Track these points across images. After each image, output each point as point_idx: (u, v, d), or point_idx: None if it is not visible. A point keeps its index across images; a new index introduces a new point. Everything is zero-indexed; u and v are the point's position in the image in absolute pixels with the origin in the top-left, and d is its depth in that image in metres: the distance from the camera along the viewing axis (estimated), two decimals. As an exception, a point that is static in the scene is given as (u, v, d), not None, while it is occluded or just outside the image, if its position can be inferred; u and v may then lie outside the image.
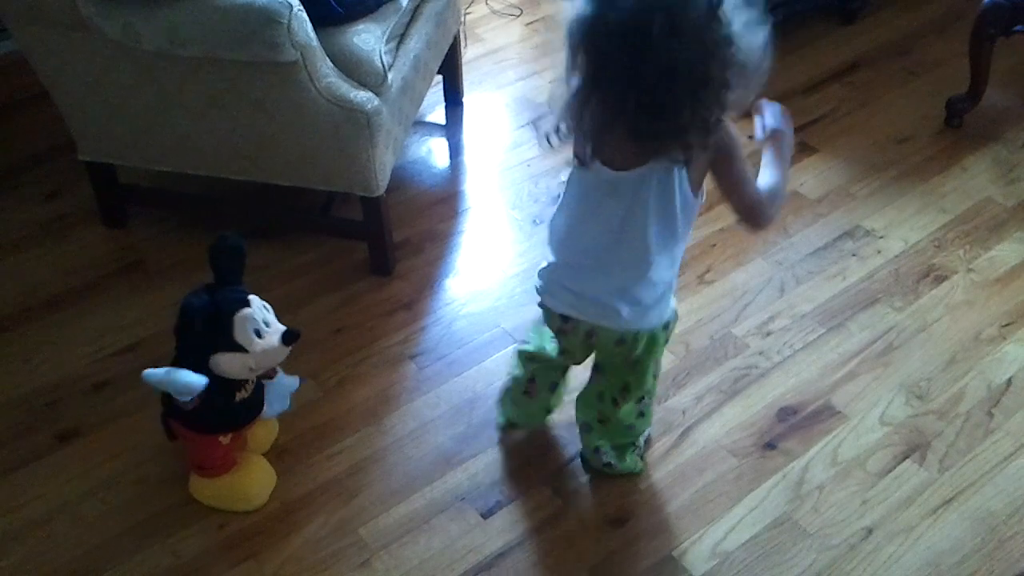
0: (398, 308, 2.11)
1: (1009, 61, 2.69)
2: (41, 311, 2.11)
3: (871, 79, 2.77)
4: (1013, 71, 2.73)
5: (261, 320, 1.59)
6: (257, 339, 1.57)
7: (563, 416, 1.88)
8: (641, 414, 1.73)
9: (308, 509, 1.73)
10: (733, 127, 1.38)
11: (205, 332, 1.55)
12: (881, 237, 2.26)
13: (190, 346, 1.59)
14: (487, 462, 1.81)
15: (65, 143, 2.23)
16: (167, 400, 1.65)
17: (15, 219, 2.34)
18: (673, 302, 1.59)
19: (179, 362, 1.62)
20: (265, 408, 1.73)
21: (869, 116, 2.64)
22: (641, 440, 1.79)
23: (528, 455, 1.82)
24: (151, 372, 1.55)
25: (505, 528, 1.70)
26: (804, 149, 2.52)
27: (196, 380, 1.54)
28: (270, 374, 1.72)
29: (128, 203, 2.29)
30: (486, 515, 1.72)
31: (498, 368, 1.96)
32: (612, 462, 1.75)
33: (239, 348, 1.56)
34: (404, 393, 1.93)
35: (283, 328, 1.61)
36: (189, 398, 1.55)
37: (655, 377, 1.70)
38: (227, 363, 1.57)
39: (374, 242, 2.15)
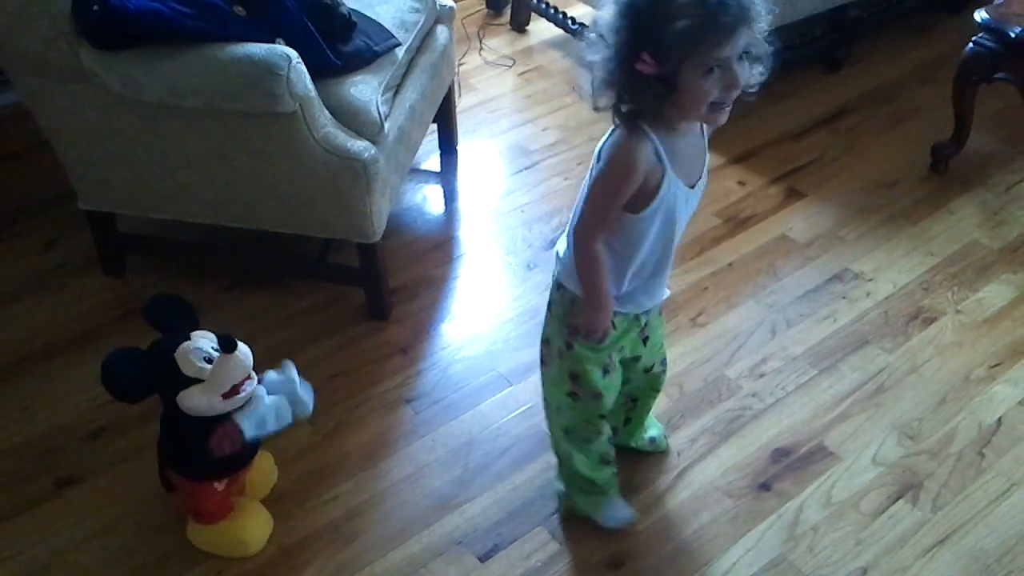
0: (394, 353, 2.13)
1: (992, 107, 2.76)
2: (39, 359, 2.12)
3: (857, 125, 2.83)
4: (996, 117, 2.79)
5: (208, 348, 1.57)
6: (207, 364, 1.56)
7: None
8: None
9: (305, 554, 1.73)
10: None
11: (157, 378, 1.55)
12: (870, 280, 2.30)
13: (144, 397, 1.58)
14: (484, 506, 1.82)
15: (64, 192, 2.26)
16: (162, 450, 1.66)
17: (14, 268, 2.36)
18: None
19: (167, 415, 1.63)
20: (257, 429, 1.62)
21: (856, 161, 2.69)
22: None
23: (525, 498, 1.83)
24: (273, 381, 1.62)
25: (503, 572, 1.71)
26: (792, 194, 2.57)
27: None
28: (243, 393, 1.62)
29: (127, 251, 2.31)
30: (483, 559, 1.73)
31: (494, 412, 1.98)
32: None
33: (194, 380, 1.55)
34: (401, 437, 1.95)
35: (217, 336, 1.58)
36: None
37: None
38: (190, 399, 1.55)
39: (370, 288, 2.17)
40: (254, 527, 1.74)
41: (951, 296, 2.25)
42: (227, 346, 1.54)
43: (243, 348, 1.57)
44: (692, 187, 1.44)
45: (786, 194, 2.58)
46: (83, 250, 2.35)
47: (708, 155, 1.47)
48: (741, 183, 2.62)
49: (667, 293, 1.64)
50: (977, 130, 2.61)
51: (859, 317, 2.20)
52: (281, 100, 1.80)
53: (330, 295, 2.25)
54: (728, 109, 1.32)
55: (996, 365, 2.08)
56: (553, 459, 1.82)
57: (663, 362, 1.77)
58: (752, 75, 1.31)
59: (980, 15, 2.40)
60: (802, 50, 2.96)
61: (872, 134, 2.79)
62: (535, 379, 2.02)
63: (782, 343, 2.14)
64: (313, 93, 1.87)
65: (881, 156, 2.71)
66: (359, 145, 1.93)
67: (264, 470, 1.81)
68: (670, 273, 1.60)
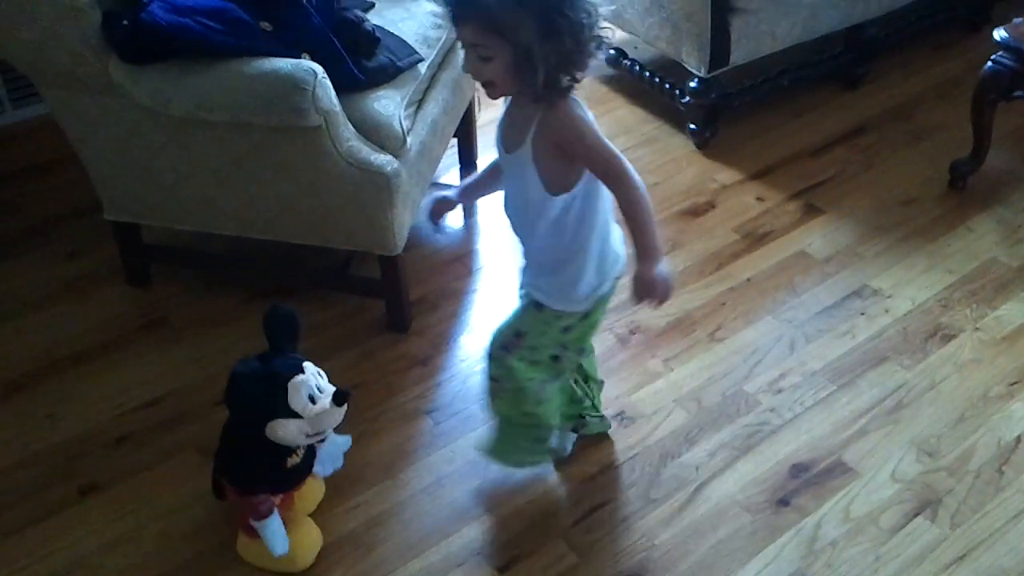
0: (414, 364, 2.15)
1: (1010, 125, 2.76)
2: (64, 367, 2.15)
3: (876, 143, 2.84)
4: (1015, 134, 2.80)
5: (314, 385, 1.60)
6: (311, 404, 1.58)
7: (579, 470, 1.90)
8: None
9: (326, 563, 1.75)
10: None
11: (261, 399, 1.57)
12: (889, 296, 2.30)
13: (245, 413, 1.61)
14: (502, 516, 1.83)
15: (91, 203, 2.29)
16: (221, 460, 1.68)
17: (40, 277, 2.39)
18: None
19: (231, 429, 1.65)
20: (319, 468, 1.76)
21: (875, 178, 2.70)
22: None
23: (543, 509, 1.84)
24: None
25: (521, 583, 1.72)
26: (811, 211, 2.58)
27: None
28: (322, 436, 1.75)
29: (152, 262, 2.34)
30: (502, 570, 1.74)
31: (513, 424, 2.00)
32: None
33: (294, 414, 1.58)
34: (420, 448, 1.96)
35: (333, 389, 1.63)
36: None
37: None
38: (283, 429, 1.58)
39: (391, 299, 2.19)
40: (304, 543, 1.73)
41: (970, 313, 2.25)
42: (340, 401, 1.61)
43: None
44: (508, 152, 1.54)
45: (804, 210, 2.59)
46: (108, 260, 2.38)
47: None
48: (759, 199, 2.63)
49: (530, 287, 1.66)
50: (996, 148, 2.62)
51: (878, 333, 2.21)
52: (307, 114, 1.82)
53: (351, 307, 2.28)
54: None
55: (1015, 383, 2.08)
56: (582, 468, 1.84)
57: None
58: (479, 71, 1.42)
59: (999, 34, 2.41)
60: (820, 67, 2.98)
61: (890, 151, 2.80)
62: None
63: (801, 358, 2.15)
64: (338, 108, 1.89)
65: (900, 173, 2.71)
66: (382, 159, 1.96)
67: (312, 486, 1.81)
68: (530, 262, 1.66)
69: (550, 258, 1.61)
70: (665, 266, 1.48)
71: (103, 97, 1.95)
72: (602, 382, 1.96)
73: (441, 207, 1.80)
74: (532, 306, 1.65)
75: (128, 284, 2.35)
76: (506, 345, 1.68)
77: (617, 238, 1.65)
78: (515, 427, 1.80)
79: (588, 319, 1.67)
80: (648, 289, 1.47)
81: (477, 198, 1.79)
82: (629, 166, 1.46)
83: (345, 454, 1.84)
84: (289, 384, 1.57)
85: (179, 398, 2.06)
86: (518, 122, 1.50)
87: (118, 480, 1.90)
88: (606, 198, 1.56)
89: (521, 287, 1.71)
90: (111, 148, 2.06)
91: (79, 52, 1.87)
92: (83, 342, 2.21)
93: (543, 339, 1.67)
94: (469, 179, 1.82)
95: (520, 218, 1.61)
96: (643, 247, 1.47)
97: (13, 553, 1.77)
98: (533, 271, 1.66)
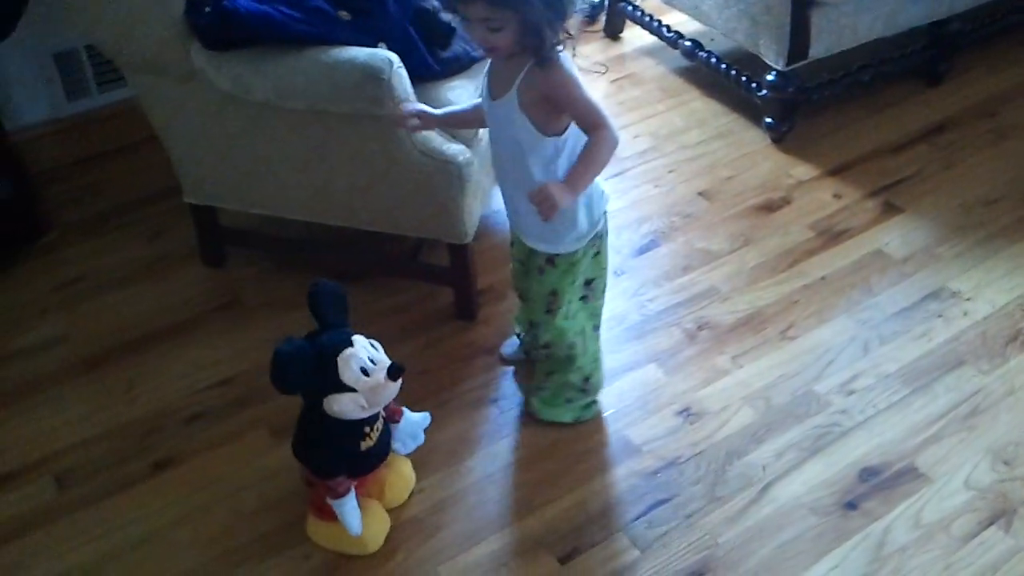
0: (480, 353, 2.16)
1: (1102, 125, 2.67)
2: (142, 344, 2.21)
3: (958, 140, 2.76)
4: (1107, 135, 2.70)
5: (367, 358, 1.62)
6: (364, 377, 1.60)
7: (643, 465, 1.90)
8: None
9: (389, 545, 1.77)
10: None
11: (313, 376, 1.59)
12: (968, 299, 2.24)
13: (296, 391, 1.62)
14: (565, 508, 1.83)
15: (171, 185, 2.35)
16: (297, 445, 1.70)
17: (122, 256, 2.46)
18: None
19: (305, 413, 1.67)
20: (399, 446, 1.79)
21: (956, 177, 2.62)
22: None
23: (606, 503, 1.84)
24: None
25: (581, 575, 1.72)
26: (889, 209, 2.52)
27: None
28: (395, 417, 1.77)
29: (227, 244, 2.40)
30: (563, 560, 1.74)
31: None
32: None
33: (347, 388, 1.59)
34: (485, 436, 1.97)
35: (388, 363, 1.64)
36: None
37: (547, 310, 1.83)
38: (338, 403, 1.59)
39: (460, 288, 2.21)
40: (373, 527, 1.75)
41: (1053, 319, 2.18)
42: (394, 375, 1.61)
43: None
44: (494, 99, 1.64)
45: (883, 208, 2.53)
46: (186, 242, 2.44)
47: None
48: (837, 196, 2.58)
49: (524, 237, 1.78)
50: (1086, 148, 2.53)
51: (955, 337, 2.15)
52: (382, 103, 1.84)
53: (420, 294, 2.30)
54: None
55: (1099, 392, 2.01)
56: (646, 463, 1.83)
57: (526, 309, 1.89)
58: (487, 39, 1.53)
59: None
60: (902, 63, 2.90)
61: (973, 150, 2.72)
62: (619, 383, 2.05)
63: (874, 360, 2.11)
64: (412, 97, 1.91)
65: (982, 172, 2.64)
66: (454, 148, 1.97)
67: (404, 475, 1.84)
68: (517, 207, 1.74)
69: None
70: (568, 200, 1.57)
71: (185, 83, 1.99)
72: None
73: (414, 113, 1.83)
74: (547, 264, 1.77)
75: (204, 265, 2.41)
76: (549, 308, 1.82)
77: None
78: (563, 385, 1.93)
79: (598, 257, 1.84)
80: (543, 195, 1.54)
81: (453, 126, 1.91)
82: (610, 119, 1.57)
83: (425, 430, 1.85)
84: (339, 358, 1.59)
85: (251, 378, 2.11)
86: (503, 71, 1.60)
87: (191, 456, 1.95)
88: None
89: (518, 254, 1.85)
90: (192, 133, 2.10)
91: (163, 38, 1.91)
92: (160, 321, 2.27)
93: (572, 288, 1.82)
94: (453, 108, 1.90)
95: (511, 163, 1.68)
96: (575, 175, 1.59)
97: (89, 523, 1.83)
98: (529, 223, 1.73)
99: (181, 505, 1.86)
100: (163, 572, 1.75)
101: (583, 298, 1.88)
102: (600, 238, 1.81)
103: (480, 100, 1.74)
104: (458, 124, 1.92)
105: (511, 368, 2.12)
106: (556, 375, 1.94)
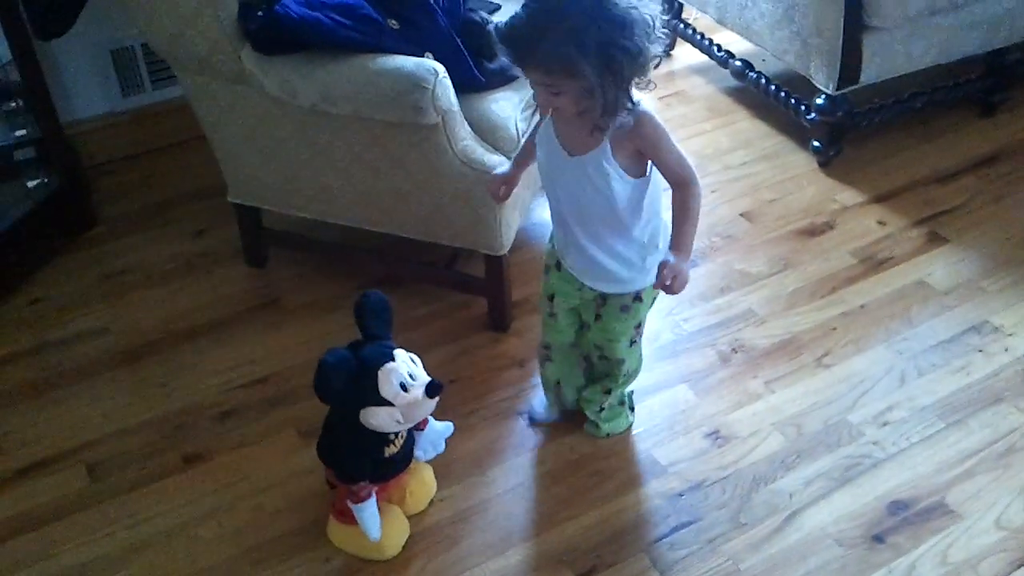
0: (511, 364, 2.16)
1: None
2: (180, 339, 2.25)
3: (1009, 173, 2.71)
4: None
5: (406, 373, 1.63)
6: (403, 392, 1.61)
7: (667, 486, 1.89)
8: None
9: (409, 552, 1.78)
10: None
11: (352, 387, 1.60)
12: (1010, 335, 2.20)
13: (336, 401, 1.64)
14: (587, 525, 1.82)
15: (217, 185, 2.39)
16: (322, 448, 1.72)
17: (166, 252, 2.51)
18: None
19: (331, 419, 1.69)
20: (419, 453, 1.80)
21: (1005, 210, 2.58)
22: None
23: (629, 522, 1.83)
24: None
25: (600, 593, 1.72)
26: (934, 239, 2.48)
27: None
28: (420, 425, 1.78)
29: (269, 245, 2.43)
30: (582, 577, 1.74)
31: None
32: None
33: (385, 402, 1.61)
34: (510, 448, 1.98)
35: (427, 380, 1.65)
36: None
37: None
38: (375, 416, 1.61)
39: (494, 299, 2.21)
40: (392, 533, 1.76)
41: (1098, 359, 2.13)
42: (433, 393, 1.63)
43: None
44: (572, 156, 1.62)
45: (928, 238, 2.49)
46: (229, 241, 2.48)
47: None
48: (881, 223, 2.55)
49: (604, 285, 1.76)
50: None
51: (995, 372, 2.11)
52: (425, 112, 1.86)
53: (454, 303, 2.31)
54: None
55: None
56: (671, 485, 1.83)
57: (606, 350, 1.86)
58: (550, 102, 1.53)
59: None
60: (956, 91, 2.86)
61: (1025, 183, 2.68)
62: (650, 401, 2.05)
63: (910, 392, 2.07)
64: (456, 107, 1.92)
65: (1033, 207, 2.59)
66: (495, 159, 1.98)
67: (426, 483, 1.85)
68: (597, 264, 1.72)
69: (637, 239, 1.69)
70: (688, 267, 1.60)
71: (235, 85, 2.03)
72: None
73: (499, 183, 1.85)
74: (634, 301, 1.77)
75: (246, 265, 2.45)
76: (633, 340, 1.85)
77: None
78: (619, 396, 1.96)
79: None
80: (672, 276, 1.56)
81: (524, 168, 1.87)
82: (694, 173, 1.59)
83: (447, 440, 1.86)
84: (380, 372, 1.60)
85: (284, 378, 2.13)
86: (577, 127, 1.57)
87: (221, 452, 1.98)
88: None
89: (572, 303, 1.84)
90: (239, 134, 2.14)
91: (215, 40, 1.95)
92: (200, 317, 2.31)
93: (651, 307, 1.84)
94: (516, 152, 1.90)
95: (594, 214, 1.66)
96: (682, 243, 1.60)
97: (117, 514, 1.86)
98: (608, 270, 1.72)
99: (207, 501, 1.88)
100: (186, 567, 1.77)
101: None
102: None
103: (528, 138, 1.77)
104: (528, 162, 1.83)
105: (537, 385, 2.12)
106: (615, 391, 1.93)
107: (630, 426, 2.00)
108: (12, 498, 1.90)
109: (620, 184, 1.59)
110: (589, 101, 1.47)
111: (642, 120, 1.54)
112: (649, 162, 1.61)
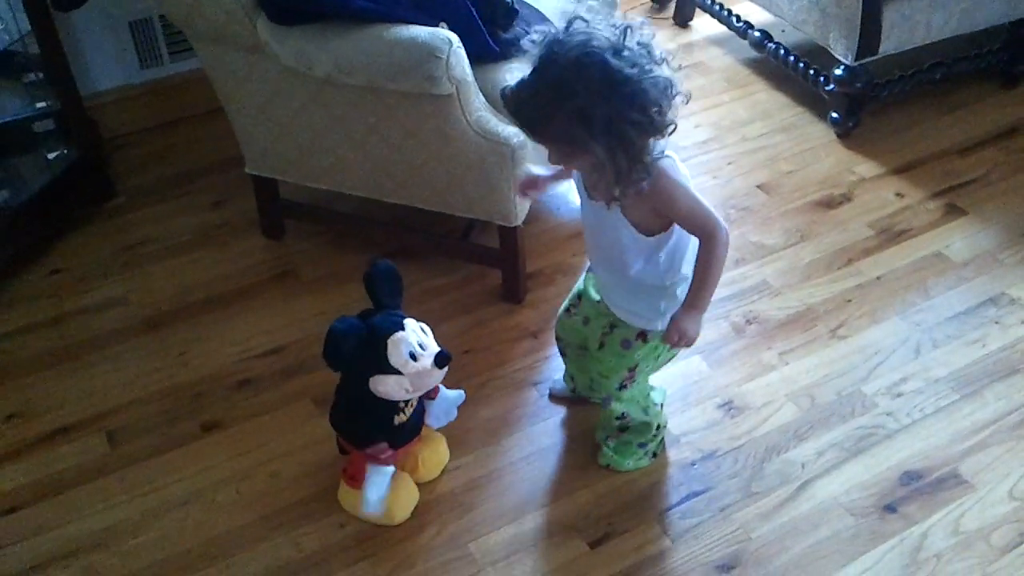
0: (525, 335, 2.17)
1: None
2: (198, 309, 2.27)
3: (1031, 145, 2.69)
4: None
5: (416, 343, 1.64)
6: (412, 362, 1.62)
7: (680, 456, 1.89)
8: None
9: (423, 518, 1.80)
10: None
11: (361, 355, 1.61)
12: (1028, 307, 2.19)
13: (345, 368, 1.66)
14: (599, 494, 1.84)
15: (234, 156, 2.40)
16: (335, 416, 1.74)
17: (184, 222, 2.53)
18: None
19: (344, 385, 1.71)
20: (432, 421, 1.81)
21: (1025, 183, 2.56)
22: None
23: (641, 491, 1.84)
24: None
25: (611, 560, 1.73)
26: (952, 211, 2.47)
27: None
28: (431, 394, 1.80)
29: (286, 216, 2.44)
30: (593, 545, 1.75)
31: (618, 403, 2.00)
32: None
33: (394, 371, 1.62)
34: (524, 418, 1.99)
35: (436, 350, 1.66)
36: None
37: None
38: (384, 385, 1.62)
39: (508, 270, 2.22)
40: (401, 499, 1.78)
41: (1117, 332, 2.11)
42: (441, 363, 1.64)
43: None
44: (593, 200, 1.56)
45: (946, 210, 2.47)
46: (247, 212, 2.49)
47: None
48: (899, 195, 2.53)
49: (617, 310, 1.69)
50: None
51: (1011, 344, 2.10)
52: (439, 82, 1.86)
53: (468, 274, 2.32)
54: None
55: None
56: (684, 454, 1.83)
57: (595, 385, 1.80)
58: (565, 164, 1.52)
59: None
60: (976, 62, 2.82)
61: (1046, 155, 2.65)
62: (663, 373, 2.02)
63: (925, 364, 2.07)
64: (470, 77, 1.92)
65: (1054, 179, 2.56)
66: (509, 130, 1.98)
67: (439, 452, 1.87)
68: (618, 289, 1.68)
69: (648, 285, 1.62)
70: (700, 322, 1.57)
71: (250, 55, 2.03)
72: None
73: (528, 184, 1.81)
74: (637, 339, 1.69)
75: (263, 236, 2.46)
76: (623, 384, 1.75)
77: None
78: (632, 435, 1.84)
79: None
80: (679, 334, 1.55)
81: (558, 182, 1.80)
82: (720, 226, 1.50)
83: (459, 408, 1.87)
84: (389, 340, 1.61)
85: (300, 348, 2.15)
86: (601, 188, 1.50)
87: (238, 421, 2.00)
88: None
89: (588, 312, 1.77)
90: (255, 105, 2.14)
91: (231, 10, 1.95)
92: (217, 287, 2.33)
93: (654, 361, 1.75)
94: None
95: (607, 252, 1.62)
96: (697, 297, 1.55)
97: (136, 480, 1.89)
98: (627, 298, 1.67)
99: (224, 468, 1.91)
100: (203, 532, 1.80)
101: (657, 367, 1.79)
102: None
103: None
104: (563, 179, 1.78)
105: (555, 354, 2.12)
106: (630, 433, 1.84)
107: (639, 467, 1.88)
108: (34, 464, 1.93)
109: (629, 237, 1.54)
110: (600, 173, 1.42)
111: (657, 179, 1.45)
112: (671, 227, 1.54)
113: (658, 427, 1.86)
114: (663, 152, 1.48)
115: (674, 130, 1.43)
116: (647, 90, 1.36)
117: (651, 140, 1.42)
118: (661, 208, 1.50)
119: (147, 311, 2.27)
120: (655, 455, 1.89)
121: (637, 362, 1.72)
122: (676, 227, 1.54)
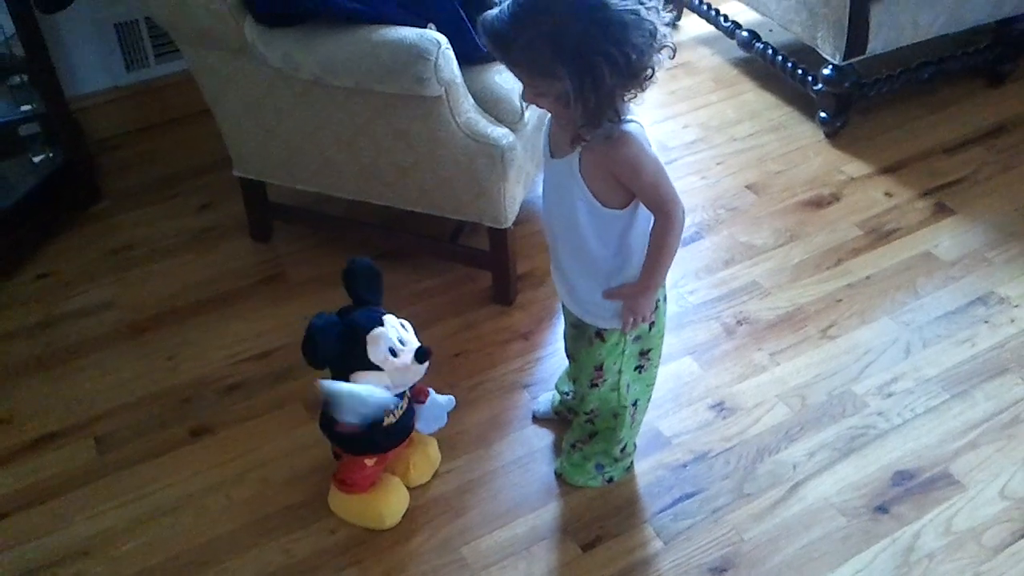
0: (516, 338, 2.17)
1: None
2: (186, 313, 2.26)
3: (1017, 144, 2.69)
4: None
5: (396, 339, 1.63)
6: (392, 357, 1.61)
7: (672, 458, 1.89)
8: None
9: (415, 523, 1.79)
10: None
11: (341, 352, 1.60)
12: (1016, 306, 2.19)
13: (324, 365, 1.64)
14: (591, 496, 1.83)
15: (221, 159, 2.39)
16: (324, 419, 1.72)
17: (171, 226, 2.51)
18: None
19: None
20: (421, 426, 1.80)
21: (1012, 181, 2.56)
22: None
23: (633, 493, 1.84)
24: (329, 384, 1.58)
25: (603, 563, 1.72)
26: (941, 211, 2.47)
27: (376, 398, 1.59)
28: (420, 397, 1.79)
29: (274, 219, 2.43)
30: (586, 548, 1.75)
31: (610, 405, 1.99)
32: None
33: (374, 367, 1.61)
34: (515, 420, 1.98)
35: (417, 345, 1.65)
36: (358, 418, 1.59)
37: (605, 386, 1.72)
38: (364, 381, 1.61)
39: (498, 272, 2.21)
40: (392, 503, 1.78)
41: (1105, 330, 2.12)
42: (421, 358, 1.63)
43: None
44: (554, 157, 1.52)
45: (934, 210, 2.48)
46: (234, 215, 2.48)
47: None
48: (888, 194, 2.54)
49: (574, 306, 1.67)
50: None
51: (1000, 344, 2.10)
52: (428, 84, 1.85)
53: (458, 276, 2.31)
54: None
55: None
56: (676, 456, 1.83)
57: (576, 384, 1.78)
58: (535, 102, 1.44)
59: None
60: (964, 61, 2.83)
61: (1033, 154, 2.66)
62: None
63: (915, 363, 2.07)
64: (459, 79, 1.91)
65: (1041, 177, 2.57)
66: (498, 132, 1.97)
67: (429, 455, 1.86)
68: (573, 282, 1.63)
69: (594, 268, 1.57)
70: (653, 300, 1.58)
71: (237, 57, 2.02)
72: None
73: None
74: (595, 337, 1.65)
75: (251, 239, 2.45)
76: (594, 382, 1.71)
77: None
78: (598, 452, 1.82)
79: (654, 327, 1.67)
80: (631, 312, 1.57)
81: None
82: (679, 205, 1.48)
83: (449, 414, 1.87)
84: (368, 336, 1.60)
85: (290, 352, 2.13)
86: (563, 130, 1.47)
87: (227, 426, 1.99)
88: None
89: (570, 317, 1.73)
90: (242, 107, 2.13)
91: (217, 11, 1.94)
92: (205, 291, 2.31)
93: (620, 360, 1.68)
94: None
95: (564, 229, 1.56)
96: (649, 275, 1.54)
97: (125, 486, 1.88)
98: (579, 294, 1.63)
99: (214, 473, 1.89)
100: (193, 538, 1.79)
101: (638, 368, 1.72)
102: (660, 308, 1.66)
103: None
104: None
105: (546, 356, 2.12)
106: (595, 442, 1.81)
107: (588, 486, 1.85)
108: (21, 471, 1.91)
109: (585, 205, 1.48)
110: (567, 108, 1.36)
111: (621, 139, 1.40)
112: (630, 204, 1.49)
113: (623, 449, 1.82)
114: (633, 117, 1.43)
115: (651, 82, 1.36)
116: (627, 24, 1.29)
117: (624, 85, 1.35)
118: (624, 174, 1.45)
119: (135, 315, 2.26)
120: (611, 480, 1.84)
121: (602, 361, 1.67)
122: (632, 216, 1.50)
